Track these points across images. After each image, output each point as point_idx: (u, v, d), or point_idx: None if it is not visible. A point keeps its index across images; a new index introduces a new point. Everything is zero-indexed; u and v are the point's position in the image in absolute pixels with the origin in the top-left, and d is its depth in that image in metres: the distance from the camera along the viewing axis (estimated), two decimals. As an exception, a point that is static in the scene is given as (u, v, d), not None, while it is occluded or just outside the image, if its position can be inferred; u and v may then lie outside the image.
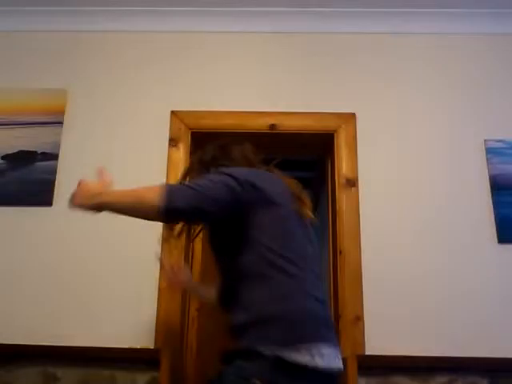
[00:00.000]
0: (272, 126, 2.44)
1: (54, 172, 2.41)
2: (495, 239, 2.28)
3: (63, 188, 2.39)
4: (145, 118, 2.50)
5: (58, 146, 2.46)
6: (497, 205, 2.31)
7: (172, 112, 2.48)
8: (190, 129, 2.47)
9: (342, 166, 2.39)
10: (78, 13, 2.65)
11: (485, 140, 2.41)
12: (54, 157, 2.44)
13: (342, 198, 2.34)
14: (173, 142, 2.44)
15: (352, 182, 2.35)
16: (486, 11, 2.58)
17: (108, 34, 2.66)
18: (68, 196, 2.28)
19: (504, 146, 2.39)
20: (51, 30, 2.66)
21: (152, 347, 2.14)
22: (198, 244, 2.53)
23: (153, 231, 2.29)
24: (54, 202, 2.37)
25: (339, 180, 2.37)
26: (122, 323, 2.19)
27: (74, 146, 2.47)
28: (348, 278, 2.23)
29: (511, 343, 2.14)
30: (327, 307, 1.51)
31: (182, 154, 2.42)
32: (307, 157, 3.45)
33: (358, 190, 2.35)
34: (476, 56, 2.58)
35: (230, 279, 1.50)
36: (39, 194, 2.39)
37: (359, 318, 2.18)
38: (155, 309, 2.20)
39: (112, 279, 2.26)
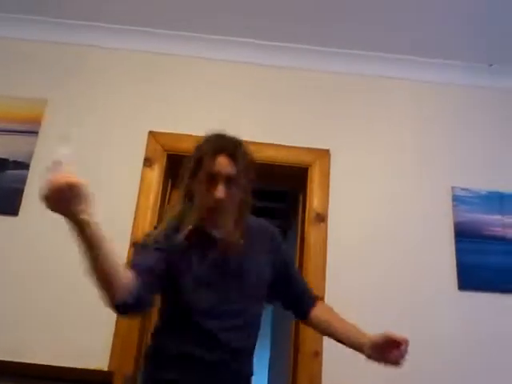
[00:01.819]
0: (248, 156, 2.46)
1: (23, 181, 2.38)
2: (456, 286, 2.33)
3: (31, 198, 2.35)
4: (122, 136, 2.50)
5: (30, 155, 2.43)
6: (459, 252, 2.36)
7: (150, 132, 2.49)
8: (166, 150, 2.47)
9: (314, 201, 2.42)
10: (63, 25, 2.65)
11: (452, 187, 2.48)
12: (26, 166, 2.41)
13: (311, 232, 2.36)
14: (147, 162, 2.43)
15: (322, 217, 2.39)
16: (464, 64, 2.68)
17: (92, 49, 2.66)
18: (36, 206, 2.32)
19: (469, 194, 2.46)
20: (36, 40, 2.66)
21: (106, 369, 2.09)
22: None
23: (119, 249, 2.27)
24: (20, 212, 2.33)
25: (309, 214, 2.40)
26: (81, 341, 2.14)
27: (47, 156, 2.43)
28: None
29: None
30: None
31: (156, 175, 2.42)
32: (280, 188, 3.48)
33: (327, 225, 2.37)
34: (447, 105, 2.67)
35: None
36: (6, 202, 2.35)
37: (318, 354, 2.18)
38: (113, 329, 2.16)
39: (71, 296, 2.22)
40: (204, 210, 1.48)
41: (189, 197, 1.53)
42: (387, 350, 1.41)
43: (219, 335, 1.43)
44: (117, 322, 2.17)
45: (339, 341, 1.57)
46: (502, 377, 2.21)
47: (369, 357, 1.45)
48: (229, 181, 1.47)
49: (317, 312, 1.65)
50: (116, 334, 2.15)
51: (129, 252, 2.26)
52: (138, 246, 1.52)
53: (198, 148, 1.54)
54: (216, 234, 1.50)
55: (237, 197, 1.50)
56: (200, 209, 1.48)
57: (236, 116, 2.57)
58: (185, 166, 1.54)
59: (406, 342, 1.39)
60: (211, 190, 1.45)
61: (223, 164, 1.47)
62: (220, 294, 1.47)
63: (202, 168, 1.47)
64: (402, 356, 1.39)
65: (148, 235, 1.54)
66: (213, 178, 1.46)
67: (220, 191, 1.45)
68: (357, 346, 1.49)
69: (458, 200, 2.45)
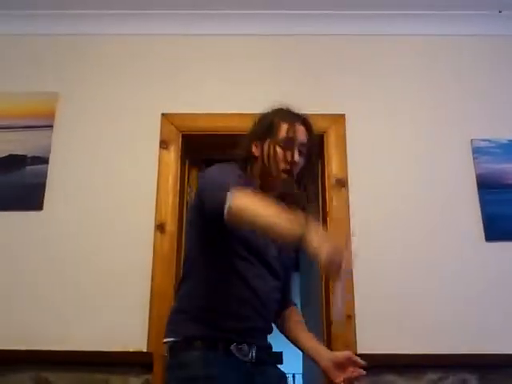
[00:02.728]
0: (262, 128, 2.45)
1: (44, 176, 2.41)
2: (483, 237, 2.32)
3: (54, 192, 2.39)
4: (136, 121, 2.50)
5: (48, 149, 2.45)
6: (484, 203, 2.34)
7: (163, 114, 2.49)
8: (181, 131, 2.48)
9: (332, 167, 2.41)
10: (68, 16, 2.65)
11: (471, 139, 2.45)
12: (45, 160, 2.43)
13: (333, 197, 2.36)
14: (163, 144, 2.44)
15: (342, 182, 2.38)
16: (473, 13, 2.62)
17: (99, 37, 2.66)
18: (59, 199, 2.36)
19: (490, 145, 2.43)
20: (43, 34, 2.66)
21: (145, 350, 2.14)
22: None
23: (144, 235, 2.31)
24: (44, 206, 2.37)
25: (329, 180, 2.40)
26: (115, 326, 2.19)
27: (64, 149, 2.47)
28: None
29: (498, 340, 2.17)
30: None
31: (172, 157, 2.43)
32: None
33: (347, 190, 2.37)
34: (462, 57, 2.62)
35: None
36: (29, 198, 2.38)
37: (351, 317, 2.20)
38: (148, 311, 2.20)
39: (105, 282, 2.26)
40: (275, 171, 1.49)
41: (247, 157, 1.55)
42: (345, 369, 1.44)
43: (263, 296, 1.44)
44: (151, 303, 2.21)
45: (299, 348, 1.58)
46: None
47: (324, 371, 1.47)
48: (301, 149, 1.52)
49: (289, 314, 1.64)
50: (151, 316, 2.19)
51: (154, 235, 2.30)
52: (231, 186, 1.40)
53: (268, 115, 1.58)
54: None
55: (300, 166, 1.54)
56: (272, 170, 1.49)
57: (248, 89, 2.55)
58: (252, 129, 1.59)
59: (362, 369, 1.42)
60: (286, 154, 1.48)
61: (300, 132, 1.53)
62: (267, 257, 1.47)
63: (278, 132, 1.51)
64: (357, 377, 1.43)
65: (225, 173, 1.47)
66: (289, 143, 1.49)
67: (297, 156, 1.49)
68: (315, 359, 1.51)
69: (478, 152, 2.42)
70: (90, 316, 2.21)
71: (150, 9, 2.61)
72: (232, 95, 2.55)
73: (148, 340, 2.16)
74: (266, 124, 1.54)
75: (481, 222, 2.33)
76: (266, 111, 1.61)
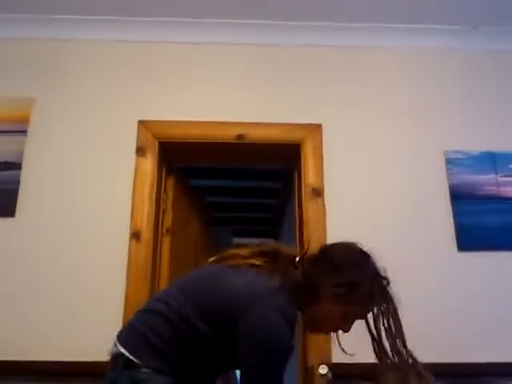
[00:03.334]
0: (239, 136, 2.47)
1: (17, 182, 2.37)
2: (455, 247, 2.35)
3: (26, 198, 2.35)
4: (112, 128, 2.48)
5: (21, 155, 2.41)
6: (456, 214, 2.38)
7: (139, 121, 2.48)
8: (158, 138, 2.47)
9: (309, 176, 2.43)
10: (48, 21, 2.62)
11: (444, 151, 2.49)
12: (17, 166, 2.40)
13: (309, 207, 2.38)
14: (140, 151, 2.43)
15: (318, 192, 2.39)
16: (448, 28, 2.67)
17: (76, 43, 2.63)
18: (32, 206, 2.32)
19: (462, 156, 2.48)
20: (19, 38, 2.62)
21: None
22: (166, 255, 2.52)
23: (118, 243, 2.29)
24: (16, 213, 2.33)
25: (305, 190, 2.41)
26: (89, 336, 2.16)
27: (38, 155, 2.43)
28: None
29: (470, 349, 2.20)
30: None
31: (149, 164, 2.42)
32: (274, 167, 3.49)
33: (324, 199, 2.39)
34: (437, 70, 2.67)
35: None
36: (1, 204, 2.34)
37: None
38: (121, 321, 2.17)
39: (79, 290, 2.23)
40: (325, 330, 1.48)
41: (307, 298, 1.43)
42: None
43: None
44: (124, 312, 2.18)
45: None
46: (504, 336, 2.24)
47: None
48: None
49: None
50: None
51: (130, 243, 2.28)
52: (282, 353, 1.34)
53: (372, 283, 1.45)
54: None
55: None
56: (318, 328, 1.47)
57: (225, 98, 2.56)
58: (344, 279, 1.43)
59: None
60: (346, 325, 1.44)
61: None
62: None
63: (364, 307, 1.43)
64: None
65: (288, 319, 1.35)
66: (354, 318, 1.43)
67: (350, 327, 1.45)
68: None
69: (451, 163, 2.46)
70: (63, 325, 2.18)
71: (128, 15, 2.60)
72: (210, 103, 2.55)
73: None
74: (363, 292, 1.41)
75: (453, 232, 2.37)
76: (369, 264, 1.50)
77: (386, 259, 2.29)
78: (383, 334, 1.42)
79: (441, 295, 2.29)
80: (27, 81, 2.56)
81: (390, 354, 1.43)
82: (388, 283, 1.47)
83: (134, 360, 1.36)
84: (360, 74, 2.65)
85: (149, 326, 1.41)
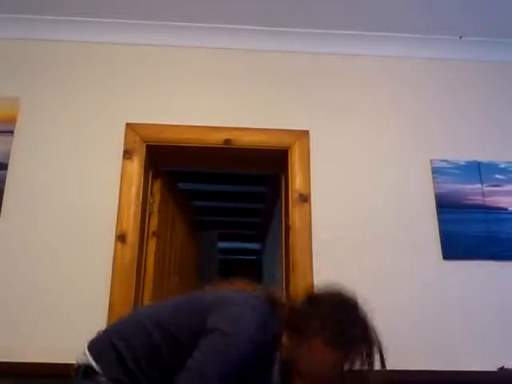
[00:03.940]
0: (227, 141, 2.47)
1: (2, 182, 2.34)
2: (440, 256, 2.37)
3: (12, 199, 2.33)
4: (99, 130, 2.47)
5: (7, 155, 2.39)
6: (442, 222, 2.40)
7: (127, 124, 2.47)
8: (145, 141, 2.45)
9: (296, 182, 2.43)
10: (33, 21, 2.60)
11: (431, 160, 2.51)
12: (4, 166, 2.37)
13: (295, 212, 2.38)
14: (127, 154, 2.42)
15: (305, 198, 2.40)
16: (434, 37, 2.69)
17: (63, 44, 2.61)
18: (18, 207, 2.30)
19: (448, 165, 2.50)
20: (3, 38, 2.60)
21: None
22: (151, 257, 2.51)
23: (104, 245, 2.27)
24: (1, 214, 2.31)
25: (292, 195, 2.41)
26: (74, 337, 2.10)
27: (24, 156, 2.41)
28: (300, 293, 2.25)
29: (454, 357, 2.21)
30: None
31: (136, 167, 2.41)
32: (261, 172, 3.50)
33: (310, 205, 2.39)
34: (424, 79, 2.69)
35: None
36: (-14, 204, 2.31)
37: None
38: (105, 323, 2.15)
39: (64, 292, 2.22)
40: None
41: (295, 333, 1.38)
42: None
43: None
44: (109, 314, 2.17)
45: None
46: (490, 343, 2.26)
47: None
48: None
49: None
50: (108, 328, 2.15)
51: (115, 245, 2.27)
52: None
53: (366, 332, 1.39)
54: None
55: None
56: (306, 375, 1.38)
57: (213, 102, 2.56)
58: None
59: None
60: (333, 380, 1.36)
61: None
62: None
63: (353, 361, 1.33)
64: None
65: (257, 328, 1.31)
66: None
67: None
68: None
69: (437, 172, 2.48)
70: (48, 327, 2.17)
71: (117, 18, 2.59)
72: (198, 107, 2.54)
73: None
74: (353, 337, 1.34)
75: (439, 240, 2.39)
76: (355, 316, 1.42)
77: (370, 266, 2.33)
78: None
79: (425, 302, 2.30)
80: (11, 81, 2.54)
81: None
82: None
83: (96, 368, 1.35)
84: (348, 82, 2.66)
85: (123, 337, 1.39)
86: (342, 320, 1.36)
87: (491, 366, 2.19)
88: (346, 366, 1.31)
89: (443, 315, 2.29)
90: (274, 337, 1.36)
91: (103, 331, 1.51)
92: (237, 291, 1.43)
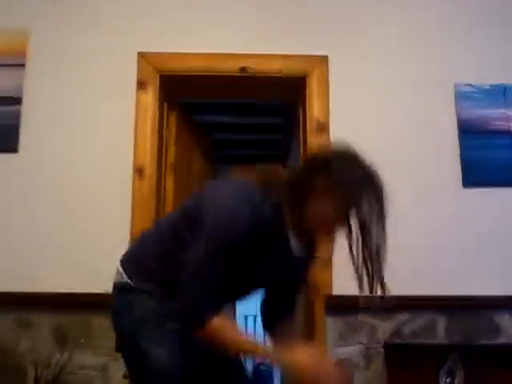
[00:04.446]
0: (243, 69, 2.39)
1: (17, 117, 2.33)
2: (460, 184, 2.34)
3: (29, 134, 2.33)
4: (111, 60, 2.41)
5: (20, 89, 2.36)
6: (463, 149, 2.34)
7: (139, 53, 2.40)
8: (159, 71, 2.40)
9: (314, 110, 2.38)
10: None
11: (454, 84, 2.42)
12: (17, 101, 2.35)
13: (314, 141, 2.33)
14: (141, 85, 2.37)
15: (323, 126, 2.35)
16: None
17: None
18: (35, 141, 2.30)
19: (472, 89, 2.41)
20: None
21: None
22: (170, 191, 2.52)
23: (122, 179, 2.28)
24: (20, 148, 2.31)
25: (310, 124, 2.36)
26: (96, 269, 2.18)
27: (37, 89, 2.38)
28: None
29: (468, 282, 2.24)
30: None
31: (150, 98, 2.37)
32: (278, 101, 3.42)
33: (329, 134, 2.35)
34: (445, 1, 2.55)
35: None
36: (4, 140, 2.31)
37: (327, 261, 2.21)
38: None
39: (84, 225, 2.25)
40: (311, 228, 1.32)
41: (296, 195, 1.30)
42: None
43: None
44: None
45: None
46: (507, 271, 2.27)
47: None
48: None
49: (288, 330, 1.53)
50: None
51: (133, 178, 2.27)
52: (217, 252, 1.28)
53: (357, 178, 1.30)
54: (294, 244, 1.37)
55: None
56: (308, 225, 1.31)
57: (227, 28, 2.47)
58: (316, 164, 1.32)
59: None
60: (330, 232, 1.32)
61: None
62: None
63: (343, 207, 1.26)
64: None
65: (233, 221, 1.27)
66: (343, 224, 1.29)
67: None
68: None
69: (461, 97, 2.40)
70: (70, 258, 2.22)
71: None
72: (213, 34, 2.45)
73: (128, 282, 2.17)
74: (349, 186, 1.25)
75: (459, 167, 2.35)
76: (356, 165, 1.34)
77: (390, 194, 2.30)
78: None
79: (443, 230, 2.30)
80: (20, 11, 2.46)
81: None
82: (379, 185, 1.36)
83: (130, 283, 1.39)
84: (368, 5, 2.51)
85: (142, 245, 1.48)
86: (342, 167, 1.30)
87: (506, 291, 2.21)
88: (354, 211, 1.25)
89: (460, 243, 2.29)
90: (274, 218, 1.32)
91: (130, 246, 1.57)
92: (228, 180, 1.44)
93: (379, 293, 1.29)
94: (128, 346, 1.40)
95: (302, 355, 1.26)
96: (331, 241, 1.39)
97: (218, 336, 1.28)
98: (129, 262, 1.46)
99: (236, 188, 1.33)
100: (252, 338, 1.37)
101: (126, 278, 1.41)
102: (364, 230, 1.24)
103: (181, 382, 1.34)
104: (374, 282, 1.28)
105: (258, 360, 1.14)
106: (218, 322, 1.26)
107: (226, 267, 1.27)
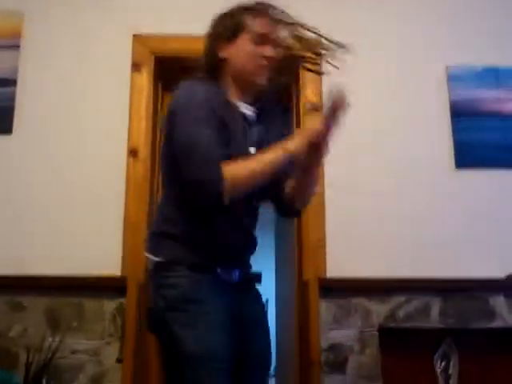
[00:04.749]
0: (238, 52, 2.38)
1: (12, 98, 2.33)
2: (453, 165, 2.34)
3: (23, 115, 2.33)
4: (106, 42, 2.41)
5: (15, 71, 2.36)
6: (455, 131, 2.35)
7: (134, 36, 2.40)
8: (154, 53, 2.40)
9: (307, 91, 2.38)
10: None
11: (447, 66, 2.43)
12: (12, 82, 2.35)
13: (307, 123, 2.33)
14: (135, 67, 2.37)
15: (317, 107, 2.35)
16: None
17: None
18: (29, 123, 2.30)
19: (464, 72, 2.41)
20: None
21: (119, 275, 2.16)
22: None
23: (118, 159, 2.28)
24: (13, 130, 2.31)
25: (304, 105, 2.37)
26: (89, 251, 2.20)
27: (32, 71, 2.38)
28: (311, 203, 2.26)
29: (463, 264, 2.25)
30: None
31: (145, 80, 2.37)
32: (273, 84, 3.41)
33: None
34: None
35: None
36: (-2, 121, 2.30)
37: (321, 241, 2.24)
38: (121, 237, 2.21)
39: (78, 207, 2.25)
40: (253, 69, 1.42)
41: (214, 64, 1.47)
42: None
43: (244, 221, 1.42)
44: (124, 229, 2.21)
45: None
46: (499, 252, 2.28)
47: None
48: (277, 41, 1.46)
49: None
50: (125, 241, 2.20)
51: (128, 160, 2.27)
52: (196, 115, 1.32)
53: (234, 12, 1.47)
54: (243, 108, 1.43)
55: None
56: (248, 69, 1.42)
57: (223, 10, 2.44)
58: (215, 30, 1.50)
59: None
60: (262, 50, 1.42)
61: (269, 25, 1.44)
62: None
63: (250, 28, 1.42)
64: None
65: (193, 92, 1.39)
66: (264, 38, 1.42)
67: (273, 50, 1.43)
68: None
69: (453, 79, 2.41)
70: (63, 241, 2.21)
71: None
72: (209, 16, 2.43)
73: (122, 265, 2.17)
74: (234, 22, 1.44)
75: (452, 149, 2.35)
76: (227, 10, 1.50)
77: (383, 175, 2.31)
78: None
79: (437, 211, 2.31)
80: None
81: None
82: None
83: (155, 259, 1.36)
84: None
85: (156, 219, 1.44)
86: (228, 13, 1.51)
87: (500, 273, 2.21)
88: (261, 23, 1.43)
89: (454, 225, 2.30)
90: (220, 92, 1.42)
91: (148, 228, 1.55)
92: None
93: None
94: (160, 329, 1.35)
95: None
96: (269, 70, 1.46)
97: (240, 177, 1.27)
98: (150, 241, 1.41)
99: (182, 87, 1.42)
100: (263, 153, 1.33)
101: (152, 258, 1.36)
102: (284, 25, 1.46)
103: (213, 366, 1.27)
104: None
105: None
106: (229, 168, 1.25)
107: (211, 128, 1.30)
